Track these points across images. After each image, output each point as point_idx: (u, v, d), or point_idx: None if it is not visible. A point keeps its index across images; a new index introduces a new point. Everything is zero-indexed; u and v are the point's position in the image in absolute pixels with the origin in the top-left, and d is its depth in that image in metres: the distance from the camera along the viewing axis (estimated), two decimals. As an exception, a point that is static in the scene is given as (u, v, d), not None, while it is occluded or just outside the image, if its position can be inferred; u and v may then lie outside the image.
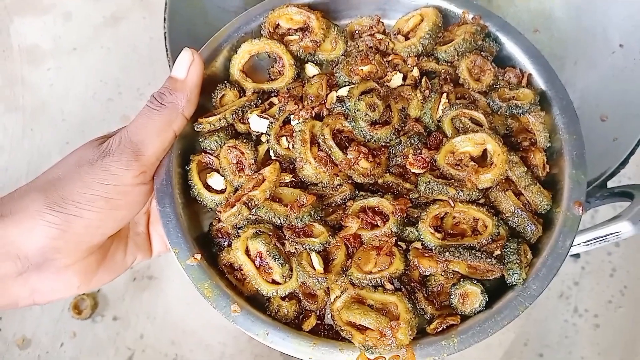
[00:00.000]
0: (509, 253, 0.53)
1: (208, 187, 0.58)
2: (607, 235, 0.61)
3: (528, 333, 0.98)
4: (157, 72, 1.14)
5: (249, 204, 0.52)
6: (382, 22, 0.67)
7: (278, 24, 0.64)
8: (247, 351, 0.97)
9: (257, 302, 0.55)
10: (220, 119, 0.59)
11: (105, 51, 1.16)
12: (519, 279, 0.52)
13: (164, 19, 0.80)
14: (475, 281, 0.53)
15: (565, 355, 0.97)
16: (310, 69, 0.64)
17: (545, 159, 0.58)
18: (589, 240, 0.63)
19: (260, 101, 0.61)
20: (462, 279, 0.53)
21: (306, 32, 0.63)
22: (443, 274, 0.53)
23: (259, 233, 0.54)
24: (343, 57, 0.64)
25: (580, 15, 0.92)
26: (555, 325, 0.98)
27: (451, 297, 0.53)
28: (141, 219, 0.63)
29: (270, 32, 0.64)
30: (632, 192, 0.65)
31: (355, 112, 0.56)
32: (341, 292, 0.53)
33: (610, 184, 0.74)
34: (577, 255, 0.98)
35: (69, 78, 1.15)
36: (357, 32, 0.66)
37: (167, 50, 0.78)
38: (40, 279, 0.52)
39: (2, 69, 1.16)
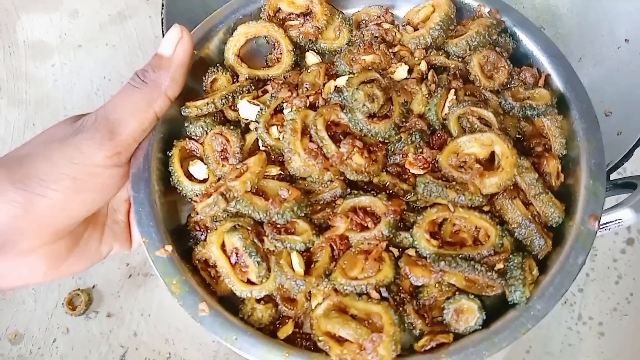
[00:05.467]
0: (513, 268, 0.47)
1: (189, 176, 0.55)
2: (609, 222, 0.59)
3: (530, 340, 0.95)
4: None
5: (227, 195, 0.48)
6: (392, 13, 0.62)
7: (279, 8, 0.60)
8: (239, 351, 0.96)
9: (232, 304, 0.50)
10: (208, 104, 0.55)
11: (110, 48, 1.17)
12: (522, 298, 0.47)
13: (162, 5, 0.78)
14: (473, 296, 0.48)
15: (568, 363, 0.95)
16: (311, 58, 0.60)
17: (560, 167, 0.53)
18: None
19: (253, 88, 0.57)
20: (457, 293, 0.48)
21: (308, 18, 0.59)
22: (437, 285, 0.48)
23: (237, 227, 0.49)
24: (346, 46, 0.60)
25: (585, 11, 0.92)
26: (559, 333, 0.95)
27: (444, 312, 0.48)
28: (121, 207, 0.59)
29: (270, 15, 0.60)
30: (636, 182, 0.63)
31: (352, 102, 0.51)
32: (323, 299, 0.48)
33: (613, 176, 0.74)
34: None
35: (73, 74, 1.15)
36: (363, 21, 0.62)
37: (163, 36, 0.76)
38: (2, 262, 0.49)
39: (6, 64, 1.17)
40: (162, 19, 0.79)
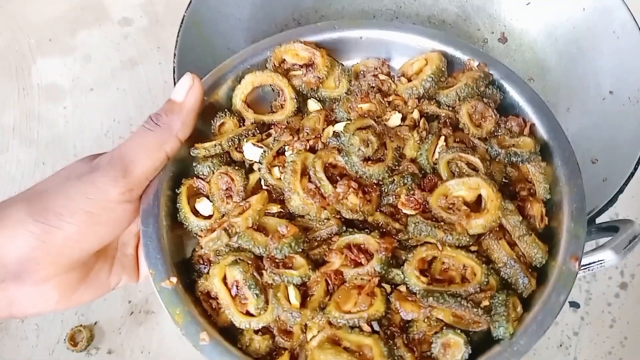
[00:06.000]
0: (497, 305, 0.50)
1: (196, 212, 0.58)
2: (591, 263, 0.61)
3: None
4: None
5: (229, 231, 0.51)
6: (388, 65, 0.67)
7: (284, 59, 0.65)
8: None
9: (231, 335, 0.53)
10: (215, 145, 0.59)
11: (121, 92, 1.21)
12: (506, 333, 0.49)
13: (174, 55, 0.83)
14: (459, 331, 0.50)
15: (564, 407, 0.94)
16: (312, 105, 0.64)
17: (544, 211, 0.56)
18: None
19: (257, 131, 0.61)
20: (445, 328, 0.50)
21: (310, 68, 0.64)
22: (426, 320, 0.50)
23: (238, 261, 0.52)
24: (345, 95, 0.64)
25: (572, 65, 0.97)
26: None
27: (432, 346, 0.50)
28: (130, 241, 0.62)
29: (275, 66, 0.65)
30: (618, 226, 0.66)
31: (348, 146, 0.55)
32: (318, 331, 0.50)
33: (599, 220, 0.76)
34: (576, 305, 0.97)
35: (84, 116, 1.19)
36: (362, 72, 0.67)
37: (175, 83, 0.81)
38: (18, 290, 0.51)
39: (20, 105, 1.21)
40: (174, 67, 0.83)
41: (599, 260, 0.60)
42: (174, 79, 0.83)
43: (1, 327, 1.00)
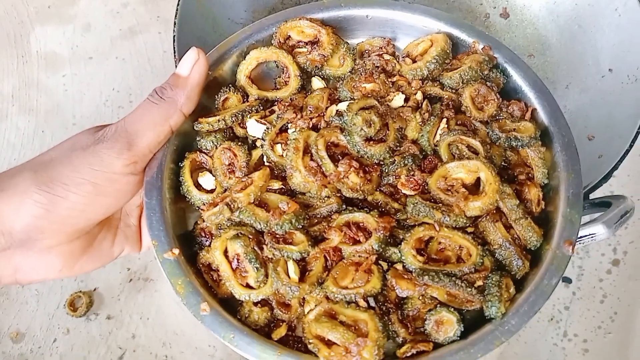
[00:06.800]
0: (491, 285, 0.51)
1: (198, 186, 0.59)
2: (583, 236, 0.62)
3: (516, 355, 0.97)
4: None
5: (232, 206, 0.52)
6: (393, 45, 0.67)
7: (289, 36, 0.65)
8: (235, 355, 0.97)
9: (230, 306, 0.54)
10: (219, 120, 0.59)
11: (120, 62, 1.20)
12: (498, 313, 0.50)
13: (174, 23, 0.82)
14: (453, 309, 0.51)
15: (553, 379, 0.97)
16: (316, 83, 0.65)
17: (541, 195, 0.57)
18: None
19: (261, 107, 0.62)
20: (439, 306, 0.52)
21: (315, 46, 0.64)
22: (420, 298, 0.52)
23: (240, 235, 0.54)
24: (349, 73, 0.65)
25: (573, 42, 0.97)
26: (544, 349, 0.97)
27: (426, 322, 0.52)
28: (133, 212, 0.63)
29: (280, 42, 0.65)
30: (610, 201, 0.67)
31: (351, 125, 0.56)
32: (315, 305, 0.52)
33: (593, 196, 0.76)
34: (568, 280, 0.99)
35: (83, 84, 1.18)
36: (367, 51, 0.67)
37: (174, 53, 0.80)
38: (23, 258, 0.53)
39: (19, 73, 1.20)
40: (174, 36, 0.83)
41: (590, 234, 0.61)
42: (174, 48, 0.82)
43: (2, 291, 1.02)
